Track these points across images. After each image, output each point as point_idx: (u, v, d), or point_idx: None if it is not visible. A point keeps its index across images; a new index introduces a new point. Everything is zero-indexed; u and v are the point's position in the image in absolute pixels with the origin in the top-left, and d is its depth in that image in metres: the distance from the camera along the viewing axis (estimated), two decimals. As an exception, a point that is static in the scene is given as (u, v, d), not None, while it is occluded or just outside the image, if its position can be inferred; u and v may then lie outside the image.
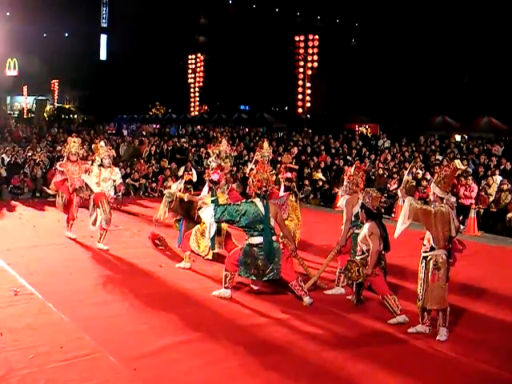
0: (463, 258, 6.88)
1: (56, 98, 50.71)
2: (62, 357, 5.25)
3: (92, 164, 9.72)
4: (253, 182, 7.04)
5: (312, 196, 16.03)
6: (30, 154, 17.47)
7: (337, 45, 37.78)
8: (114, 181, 9.47)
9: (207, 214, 6.94)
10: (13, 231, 10.89)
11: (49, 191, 11.02)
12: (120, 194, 10.33)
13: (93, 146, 10.02)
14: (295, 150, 10.57)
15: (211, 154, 10.14)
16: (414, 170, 14.04)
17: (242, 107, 45.01)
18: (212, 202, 7.74)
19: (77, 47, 45.89)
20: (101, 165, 9.40)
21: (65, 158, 10.43)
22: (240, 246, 7.27)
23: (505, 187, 12.93)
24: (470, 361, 5.53)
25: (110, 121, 30.72)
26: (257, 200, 6.92)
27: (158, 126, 29.30)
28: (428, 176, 14.17)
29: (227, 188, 9.24)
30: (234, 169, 17.57)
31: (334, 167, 17.13)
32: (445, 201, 6.04)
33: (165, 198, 8.81)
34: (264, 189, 6.96)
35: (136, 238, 10.34)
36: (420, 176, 14.29)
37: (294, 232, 8.89)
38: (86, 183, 9.55)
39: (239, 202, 7.13)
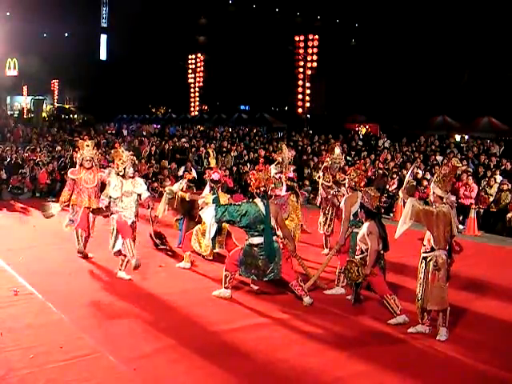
0: (463, 258, 6.88)
1: (56, 97, 50.71)
2: (62, 357, 5.26)
3: (109, 174, 8.32)
4: (251, 181, 7.05)
5: (312, 196, 16.01)
6: (27, 155, 17.48)
7: (337, 45, 37.76)
8: (139, 195, 7.87)
9: (208, 213, 6.95)
10: (13, 231, 10.90)
11: (55, 208, 9.01)
12: (150, 210, 8.43)
13: (112, 151, 8.46)
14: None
15: (278, 160, 9.82)
16: (415, 170, 14.03)
17: (242, 107, 45.02)
18: (213, 201, 7.73)
19: (77, 47, 45.80)
20: (122, 175, 7.79)
21: (77, 165, 9.02)
22: (240, 246, 7.28)
23: (505, 187, 12.92)
24: (470, 361, 5.53)
25: (110, 121, 30.72)
26: (257, 200, 6.92)
27: (158, 126, 29.30)
28: (428, 176, 14.16)
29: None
30: (234, 168, 17.63)
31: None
32: (445, 200, 6.04)
33: (165, 195, 8.80)
34: (262, 189, 6.96)
35: (136, 237, 10.32)
36: (420, 176, 14.29)
37: (294, 232, 8.89)
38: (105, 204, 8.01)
39: (240, 202, 7.15)
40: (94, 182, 8.81)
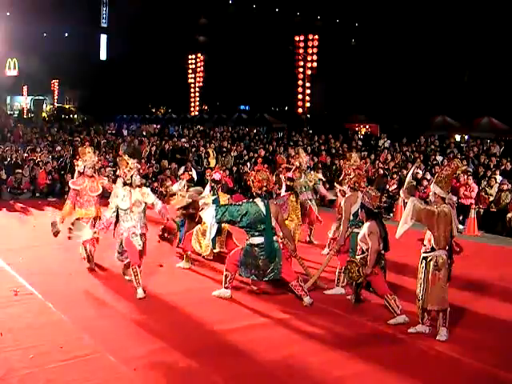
0: (463, 258, 6.87)
1: (56, 97, 50.77)
2: (62, 357, 5.26)
3: (110, 179, 7.93)
4: (253, 182, 7.05)
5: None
6: (26, 155, 17.48)
7: (337, 45, 37.74)
8: (146, 204, 7.40)
9: (208, 214, 6.95)
10: (13, 231, 10.91)
11: (61, 225, 8.39)
12: (169, 218, 7.80)
13: (117, 159, 7.82)
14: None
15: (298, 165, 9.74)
16: (415, 170, 14.03)
17: (242, 107, 45.04)
18: (213, 202, 7.74)
19: (77, 47, 45.86)
20: (129, 183, 7.30)
21: (76, 174, 8.63)
22: (240, 246, 7.28)
23: (505, 187, 12.92)
24: (470, 361, 5.53)
25: (110, 121, 30.72)
26: (258, 200, 6.92)
27: (158, 126, 29.32)
28: (428, 176, 14.17)
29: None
30: (234, 168, 17.64)
31: (334, 167, 17.11)
32: (447, 200, 6.04)
33: (185, 200, 8.48)
34: (264, 189, 6.97)
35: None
36: (420, 176, 14.29)
37: (293, 232, 8.89)
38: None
39: (240, 202, 7.15)
40: (99, 190, 8.47)
